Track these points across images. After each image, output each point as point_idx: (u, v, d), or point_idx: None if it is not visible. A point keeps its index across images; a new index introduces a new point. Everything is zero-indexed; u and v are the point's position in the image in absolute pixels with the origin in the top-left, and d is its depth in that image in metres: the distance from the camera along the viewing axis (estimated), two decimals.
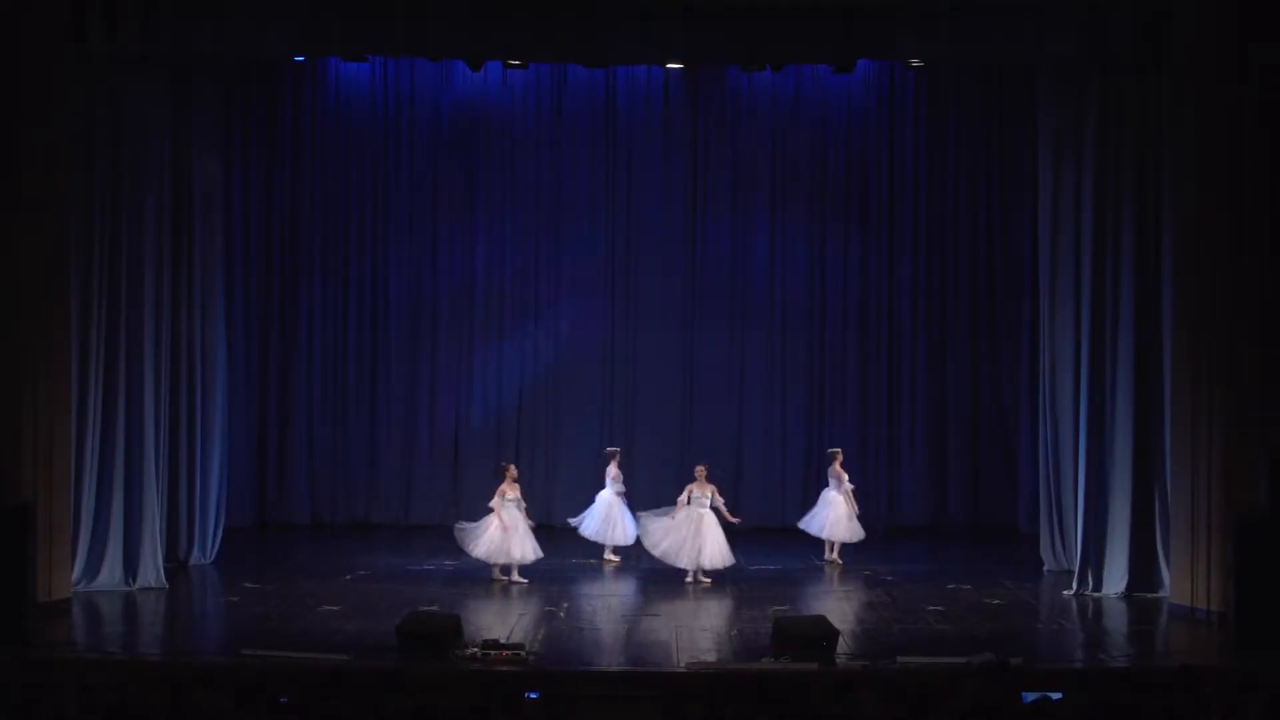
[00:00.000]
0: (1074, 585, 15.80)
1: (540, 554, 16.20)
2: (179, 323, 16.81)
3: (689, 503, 16.21)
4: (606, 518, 17.26)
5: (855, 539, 17.57)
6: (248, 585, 16.05)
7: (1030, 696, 10.05)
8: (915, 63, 18.46)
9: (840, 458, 17.81)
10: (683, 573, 16.14)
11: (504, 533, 15.97)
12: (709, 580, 16.12)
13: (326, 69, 19.73)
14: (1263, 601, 13.39)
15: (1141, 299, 15.61)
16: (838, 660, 12.57)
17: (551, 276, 20.07)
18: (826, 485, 17.78)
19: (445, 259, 20.05)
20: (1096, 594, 15.61)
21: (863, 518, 17.71)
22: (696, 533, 16.10)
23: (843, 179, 20.09)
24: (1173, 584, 14.94)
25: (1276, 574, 13.40)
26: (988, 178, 20.00)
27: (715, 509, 16.30)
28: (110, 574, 15.55)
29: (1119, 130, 15.64)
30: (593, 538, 17.34)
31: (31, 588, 13.83)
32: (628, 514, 17.16)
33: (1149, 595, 15.42)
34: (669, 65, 18.85)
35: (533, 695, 10.60)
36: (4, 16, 14.29)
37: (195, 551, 17.20)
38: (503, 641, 13.03)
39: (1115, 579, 15.63)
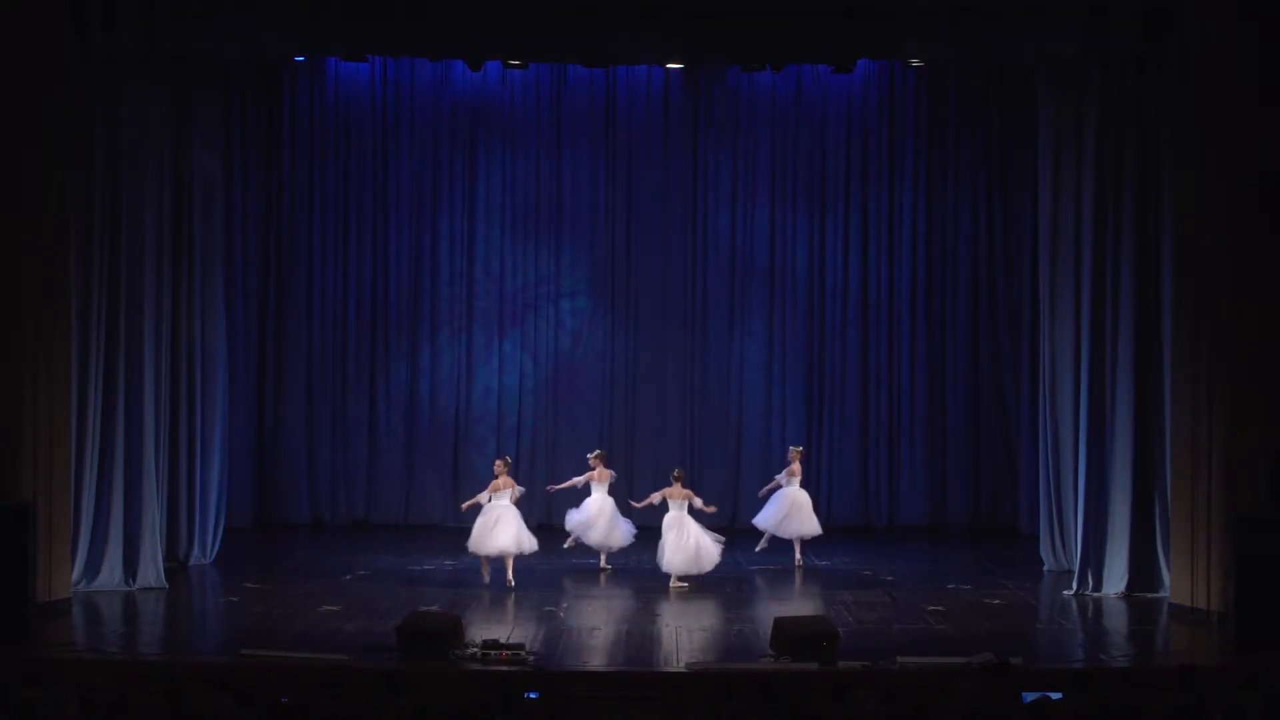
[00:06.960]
0: (1074, 585, 15.78)
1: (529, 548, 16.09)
2: (179, 323, 16.80)
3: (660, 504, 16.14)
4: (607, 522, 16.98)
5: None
6: (248, 585, 16.04)
7: (1030, 696, 10.05)
8: (915, 63, 18.49)
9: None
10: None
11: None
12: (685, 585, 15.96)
13: (326, 69, 19.72)
14: (1263, 601, 13.39)
15: (1141, 299, 15.60)
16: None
17: (551, 275, 20.04)
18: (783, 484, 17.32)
19: (445, 258, 20.02)
20: (1096, 594, 15.60)
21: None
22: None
23: (843, 179, 20.05)
24: (1173, 584, 14.93)
25: (1276, 574, 13.40)
26: (988, 178, 19.97)
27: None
28: (110, 574, 15.53)
29: (1119, 129, 15.63)
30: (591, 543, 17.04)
31: (31, 588, 13.83)
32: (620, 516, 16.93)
33: (1149, 595, 15.41)
34: (669, 65, 18.86)
35: (533, 695, 10.60)
36: (4, 16, 14.29)
37: (195, 551, 17.18)
38: (503, 641, 13.05)
39: (1115, 579, 15.62)
